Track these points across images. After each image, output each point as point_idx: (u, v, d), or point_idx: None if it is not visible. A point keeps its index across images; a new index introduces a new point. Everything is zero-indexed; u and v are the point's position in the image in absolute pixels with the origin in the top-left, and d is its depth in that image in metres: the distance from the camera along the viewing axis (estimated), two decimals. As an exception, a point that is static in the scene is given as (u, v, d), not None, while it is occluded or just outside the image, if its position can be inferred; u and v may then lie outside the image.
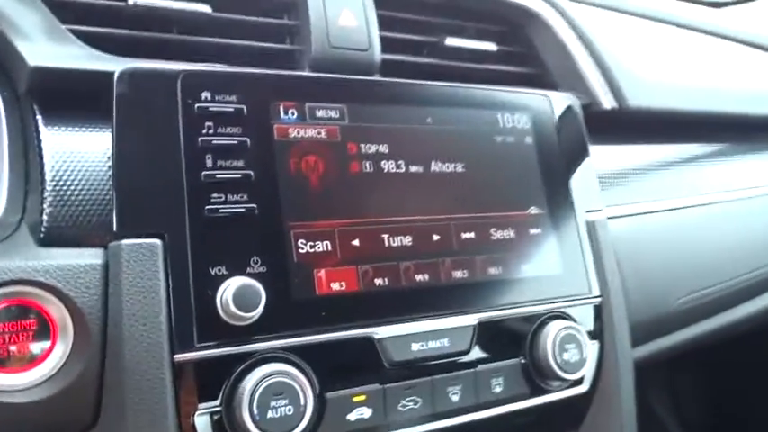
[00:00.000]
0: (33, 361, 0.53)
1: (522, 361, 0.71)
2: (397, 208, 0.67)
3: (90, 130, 0.60)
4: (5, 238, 0.55)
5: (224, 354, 0.56)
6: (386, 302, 0.64)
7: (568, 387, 0.74)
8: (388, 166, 0.68)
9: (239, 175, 0.60)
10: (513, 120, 0.77)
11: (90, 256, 0.55)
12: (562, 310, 0.74)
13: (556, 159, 0.79)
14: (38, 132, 0.58)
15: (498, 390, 0.69)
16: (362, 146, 0.67)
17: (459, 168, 0.72)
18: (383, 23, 0.77)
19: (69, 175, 0.57)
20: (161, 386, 0.54)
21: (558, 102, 0.82)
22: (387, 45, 0.77)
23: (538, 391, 0.71)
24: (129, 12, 0.66)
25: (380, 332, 0.63)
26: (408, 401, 0.64)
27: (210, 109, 0.60)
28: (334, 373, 0.60)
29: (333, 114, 0.67)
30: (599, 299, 0.77)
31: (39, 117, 0.59)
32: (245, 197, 0.60)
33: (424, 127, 0.71)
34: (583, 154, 0.82)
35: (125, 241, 0.55)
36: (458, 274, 0.69)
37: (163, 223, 0.56)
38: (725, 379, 1.47)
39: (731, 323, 1.00)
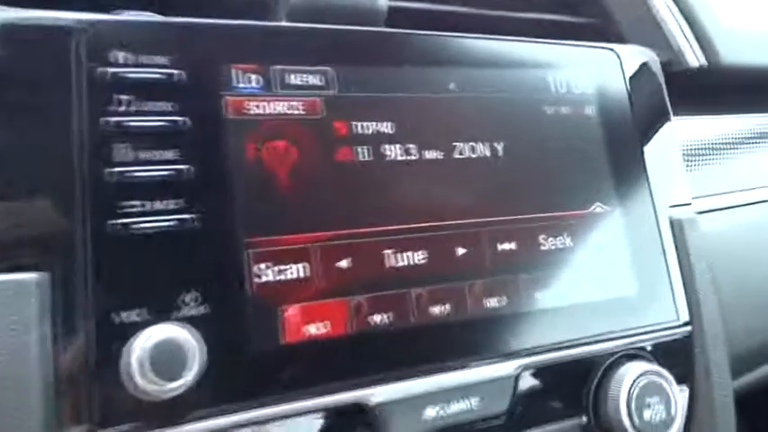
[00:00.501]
0: None
1: (584, 421, 0.51)
2: (405, 212, 0.48)
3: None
4: None
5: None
6: (388, 350, 0.45)
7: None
8: (392, 152, 0.48)
9: (169, 172, 0.41)
10: (568, 83, 0.56)
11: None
12: (640, 346, 0.54)
13: (627, 136, 0.58)
14: None
15: (551, 465, 0.49)
16: (356, 125, 0.47)
17: (495, 153, 0.52)
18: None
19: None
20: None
21: (629, 58, 0.60)
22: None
23: (606, 463, 0.52)
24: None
25: (378, 395, 0.44)
26: (423, 495, 0.45)
27: (128, 76, 0.41)
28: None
29: (313, 80, 0.47)
30: (688, 328, 0.56)
31: None
32: (177, 204, 0.41)
33: (446, 96, 0.51)
34: (664, 128, 0.61)
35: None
36: (492, 302, 0.49)
37: (44, 248, 0.38)
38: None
39: None
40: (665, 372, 0.52)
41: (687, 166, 0.64)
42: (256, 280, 0.42)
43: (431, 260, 0.48)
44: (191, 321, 0.39)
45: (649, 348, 0.54)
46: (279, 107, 0.45)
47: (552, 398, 0.50)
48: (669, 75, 0.64)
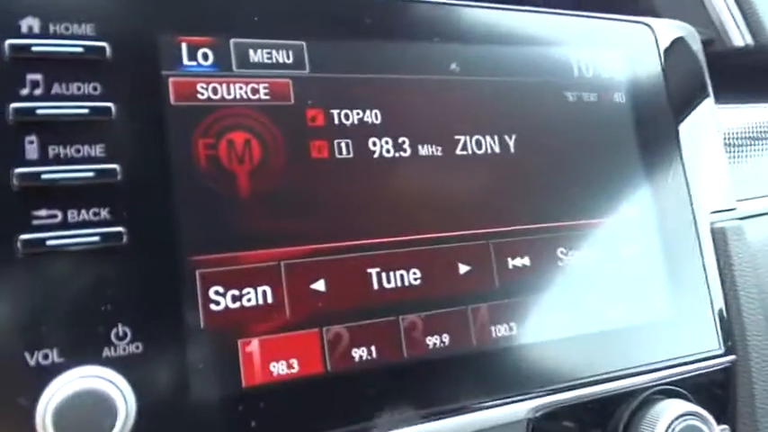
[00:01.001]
0: None
1: (609, 470, 0.43)
2: (395, 221, 0.39)
3: None
4: None
5: None
6: (374, 393, 0.36)
7: None
8: (379, 147, 0.39)
9: (91, 174, 0.32)
10: (594, 65, 0.47)
11: None
12: (674, 380, 0.45)
13: (663, 129, 0.49)
14: None
15: None
16: (334, 113, 0.39)
17: (505, 148, 0.43)
18: None
19: None
20: None
21: (665, 34, 0.51)
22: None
23: None
24: None
25: (362, 449, 0.36)
26: None
27: (38, 50, 0.32)
28: None
29: (280, 57, 0.38)
30: (731, 357, 0.48)
31: None
32: (103, 215, 0.32)
33: (446, 78, 0.42)
34: (705, 118, 0.51)
35: None
36: (500, 330, 0.40)
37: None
38: None
39: None
40: (705, 413, 0.43)
41: (730, 162, 0.55)
42: (209, 307, 0.34)
43: (426, 280, 0.39)
44: (117, 365, 0.31)
45: (686, 383, 0.45)
46: (238, 90, 0.36)
47: (571, 444, 0.42)
48: (710, 55, 0.54)
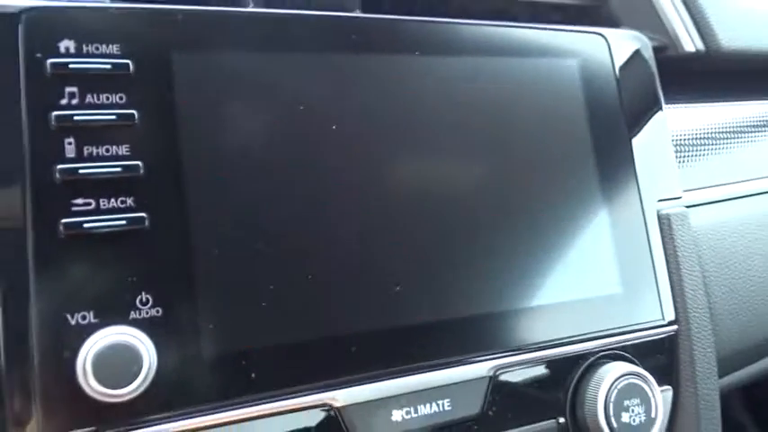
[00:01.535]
0: None
1: (560, 422, 0.49)
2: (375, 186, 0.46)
3: None
4: None
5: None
6: (352, 350, 0.43)
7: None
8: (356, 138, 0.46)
9: (119, 169, 0.39)
10: (551, 71, 0.53)
11: None
12: (621, 346, 0.52)
13: (615, 127, 0.55)
14: None
15: (525, 469, 0.48)
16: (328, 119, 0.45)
17: (467, 145, 0.49)
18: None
19: None
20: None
21: (618, 43, 0.57)
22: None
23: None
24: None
25: (343, 397, 0.42)
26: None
27: (74, 67, 0.39)
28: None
29: (276, 70, 0.45)
30: (674, 327, 0.54)
31: None
32: (128, 203, 0.39)
33: (416, 82, 0.49)
34: (654, 118, 0.58)
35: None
36: (468, 300, 0.47)
37: (-9, 249, 0.37)
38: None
39: None
40: (646, 373, 0.50)
41: (678, 157, 0.61)
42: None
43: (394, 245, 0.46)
44: (141, 325, 0.38)
45: (632, 348, 0.52)
46: (240, 98, 0.43)
47: (528, 399, 0.48)
48: (661, 60, 0.61)
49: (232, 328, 0.40)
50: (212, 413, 0.39)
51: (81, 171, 0.38)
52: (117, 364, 0.36)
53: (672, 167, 0.58)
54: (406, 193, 0.46)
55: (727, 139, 0.65)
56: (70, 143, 0.38)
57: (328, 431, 0.42)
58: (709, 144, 0.64)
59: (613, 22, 0.64)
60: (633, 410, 0.49)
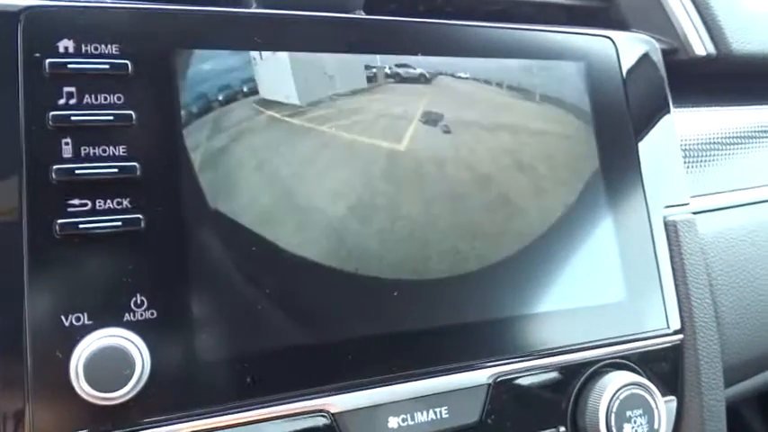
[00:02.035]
0: None
1: (561, 431, 0.49)
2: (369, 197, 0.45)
3: None
4: None
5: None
6: (349, 355, 0.43)
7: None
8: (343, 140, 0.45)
9: (115, 170, 0.39)
10: (556, 74, 0.53)
11: None
12: (624, 354, 0.51)
13: (621, 131, 0.55)
14: None
15: (524, 479, 0.47)
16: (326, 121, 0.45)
17: (471, 148, 0.49)
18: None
19: None
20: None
21: (626, 46, 0.57)
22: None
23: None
24: None
25: (340, 403, 0.42)
26: None
27: (72, 67, 0.39)
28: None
29: (276, 71, 0.44)
30: (679, 336, 0.53)
31: None
32: (124, 204, 0.39)
33: (416, 86, 0.48)
34: (662, 122, 0.57)
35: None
36: (471, 307, 0.46)
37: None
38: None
39: None
40: (649, 383, 0.49)
41: (686, 162, 0.60)
42: (209, 283, 0.40)
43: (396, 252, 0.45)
44: (135, 327, 0.38)
45: (635, 357, 0.51)
46: (239, 100, 0.43)
47: (528, 408, 0.48)
48: (671, 64, 0.60)
49: (227, 331, 0.40)
50: (206, 417, 0.39)
51: (77, 171, 0.38)
52: (109, 368, 0.36)
53: (679, 173, 0.57)
54: (405, 195, 0.46)
55: (736, 144, 0.64)
56: (67, 143, 0.38)
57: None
58: (717, 149, 0.63)
59: (622, 25, 0.63)
60: (636, 421, 0.48)
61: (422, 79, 0.48)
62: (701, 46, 0.62)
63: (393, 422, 0.43)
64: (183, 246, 0.39)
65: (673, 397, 0.53)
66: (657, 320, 0.53)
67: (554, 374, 0.48)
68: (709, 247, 0.56)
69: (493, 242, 0.48)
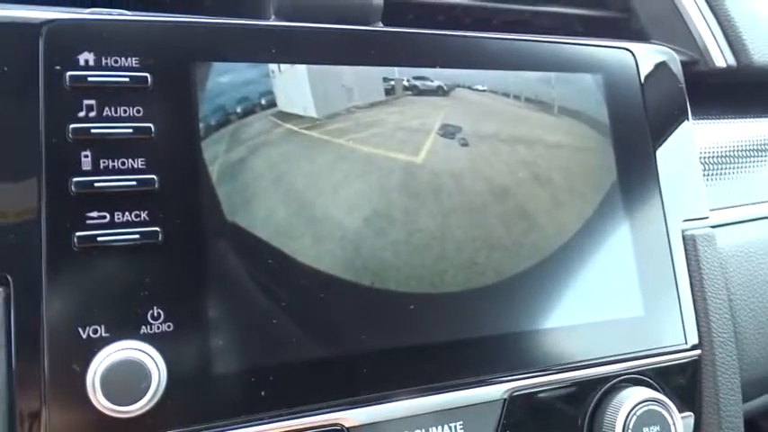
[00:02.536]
0: None
1: (577, 448, 0.48)
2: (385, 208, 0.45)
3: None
4: None
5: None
6: (364, 369, 0.43)
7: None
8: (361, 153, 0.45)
9: (134, 183, 0.39)
10: (575, 86, 0.52)
11: None
12: (641, 370, 0.50)
13: (640, 144, 0.54)
14: None
15: (539, 495, 0.47)
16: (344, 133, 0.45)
17: (488, 161, 0.49)
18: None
19: None
20: None
21: (645, 58, 0.56)
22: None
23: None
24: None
25: (354, 417, 0.42)
26: None
27: (92, 80, 0.39)
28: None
29: (294, 84, 0.44)
30: (697, 352, 0.53)
31: None
32: (142, 217, 0.39)
33: (431, 98, 0.48)
34: (681, 135, 0.56)
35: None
36: (486, 320, 0.46)
37: (5, 260, 0.37)
38: None
39: None
40: (666, 399, 0.49)
41: (705, 174, 0.59)
42: (226, 296, 0.40)
43: (408, 263, 0.45)
44: (152, 340, 0.38)
45: (652, 373, 0.51)
46: (257, 112, 0.43)
47: (544, 423, 0.47)
48: (691, 75, 0.59)
49: (243, 345, 0.40)
50: (221, 430, 0.39)
51: (96, 184, 0.38)
52: (126, 381, 0.36)
53: (698, 186, 0.56)
54: (422, 208, 0.45)
55: (756, 156, 0.63)
56: (87, 156, 0.38)
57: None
58: (737, 161, 0.62)
59: (641, 36, 0.62)
60: (653, 438, 0.48)
61: (440, 92, 0.47)
62: (721, 57, 0.62)
63: (409, 437, 0.43)
64: (200, 258, 0.40)
65: (690, 413, 0.52)
66: (675, 336, 0.52)
67: (570, 389, 0.48)
68: (729, 262, 0.56)
69: (510, 255, 0.47)
